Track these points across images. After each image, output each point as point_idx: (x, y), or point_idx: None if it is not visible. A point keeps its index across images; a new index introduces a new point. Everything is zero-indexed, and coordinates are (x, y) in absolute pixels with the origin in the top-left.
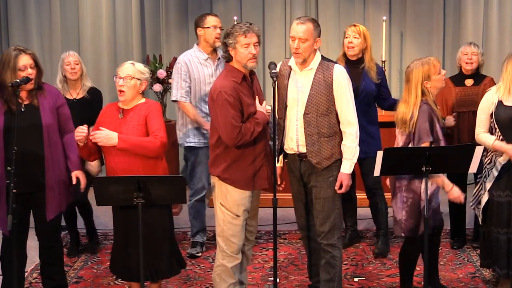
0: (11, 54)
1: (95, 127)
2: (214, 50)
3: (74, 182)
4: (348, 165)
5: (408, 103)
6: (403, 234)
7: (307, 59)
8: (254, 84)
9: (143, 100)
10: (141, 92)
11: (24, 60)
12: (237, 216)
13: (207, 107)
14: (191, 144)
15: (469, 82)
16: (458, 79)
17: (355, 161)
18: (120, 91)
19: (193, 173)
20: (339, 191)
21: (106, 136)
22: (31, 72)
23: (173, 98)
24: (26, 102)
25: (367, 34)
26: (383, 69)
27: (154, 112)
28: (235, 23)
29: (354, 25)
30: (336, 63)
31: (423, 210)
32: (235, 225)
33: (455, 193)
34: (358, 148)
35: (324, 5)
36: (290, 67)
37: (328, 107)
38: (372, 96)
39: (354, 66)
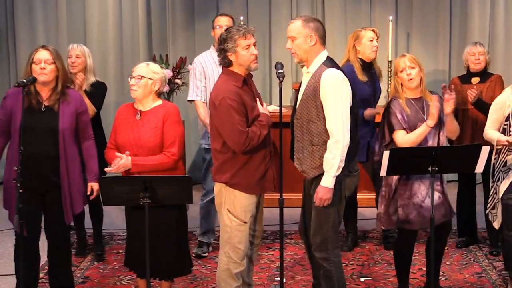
0: (33, 49)
1: (113, 129)
2: None
3: (88, 192)
4: (325, 178)
5: (391, 94)
6: (382, 227)
7: (304, 58)
8: (253, 86)
9: (160, 102)
10: (155, 92)
11: (40, 54)
12: (244, 222)
13: None
14: (206, 146)
15: (475, 80)
16: (465, 77)
17: (334, 174)
18: (132, 89)
19: (207, 174)
20: (316, 204)
21: (122, 165)
22: (43, 67)
23: (189, 98)
24: (46, 104)
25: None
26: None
27: (171, 120)
28: (230, 27)
29: (373, 29)
30: (337, 68)
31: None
32: (241, 232)
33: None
34: (336, 160)
35: (330, 5)
36: None
37: (317, 113)
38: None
39: (369, 70)
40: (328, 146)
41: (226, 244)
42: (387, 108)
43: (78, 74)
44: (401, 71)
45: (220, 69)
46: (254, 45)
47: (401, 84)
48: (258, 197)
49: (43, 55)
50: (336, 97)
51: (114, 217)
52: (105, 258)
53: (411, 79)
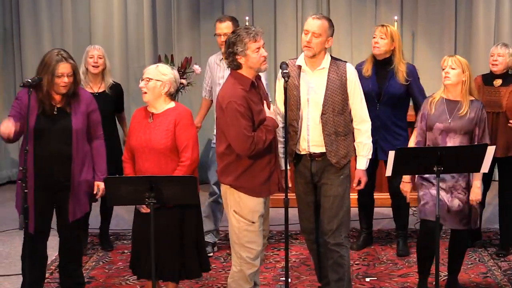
0: (53, 58)
1: (128, 136)
2: None
3: (95, 191)
4: (364, 162)
5: None
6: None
7: (317, 55)
8: (261, 89)
9: (173, 104)
10: (165, 93)
11: (64, 68)
12: (253, 222)
13: None
14: (213, 145)
15: (497, 82)
16: (488, 78)
17: (370, 157)
18: (142, 92)
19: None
20: (357, 188)
21: None
22: (66, 81)
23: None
24: (59, 105)
25: (395, 35)
26: (416, 70)
27: (183, 123)
28: (238, 29)
29: (382, 26)
30: (346, 62)
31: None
32: (251, 232)
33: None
34: (371, 144)
35: (335, 5)
36: (299, 67)
37: (343, 106)
38: (398, 98)
39: (382, 67)
40: (364, 132)
41: (235, 245)
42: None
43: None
44: (443, 69)
45: (223, 73)
46: (263, 47)
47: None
48: (264, 197)
49: (66, 69)
50: (360, 87)
51: (120, 217)
52: (114, 247)
53: (446, 77)
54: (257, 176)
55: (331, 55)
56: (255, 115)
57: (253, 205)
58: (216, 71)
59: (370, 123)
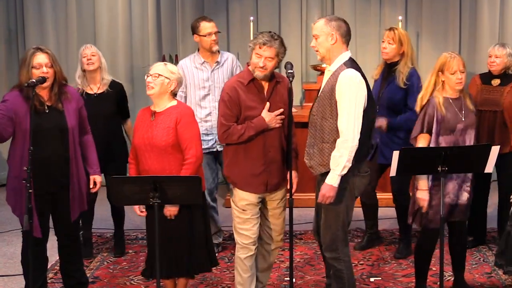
0: (29, 52)
1: (133, 135)
2: (215, 53)
3: (91, 185)
4: (330, 176)
5: (426, 89)
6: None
7: (327, 56)
8: (276, 91)
9: (175, 102)
10: (170, 92)
11: (40, 58)
12: (243, 210)
13: (202, 112)
14: None
15: (495, 81)
16: (486, 77)
17: (339, 173)
18: (148, 86)
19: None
20: (317, 201)
21: None
22: (46, 71)
23: None
24: (48, 104)
25: (404, 39)
26: (416, 76)
27: (184, 121)
28: (264, 31)
29: (390, 29)
30: (357, 69)
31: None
32: (242, 219)
33: (421, 195)
34: (343, 159)
35: (340, 5)
36: None
37: (331, 111)
38: (396, 102)
39: (389, 71)
40: (336, 145)
41: (234, 231)
42: (427, 105)
43: None
44: (453, 73)
45: (201, 75)
46: (268, 59)
47: (442, 82)
48: (261, 194)
49: (42, 59)
50: (351, 98)
51: (126, 219)
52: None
53: (460, 83)
54: (242, 171)
55: (351, 59)
56: (243, 109)
57: (241, 193)
58: (197, 75)
59: (347, 138)
